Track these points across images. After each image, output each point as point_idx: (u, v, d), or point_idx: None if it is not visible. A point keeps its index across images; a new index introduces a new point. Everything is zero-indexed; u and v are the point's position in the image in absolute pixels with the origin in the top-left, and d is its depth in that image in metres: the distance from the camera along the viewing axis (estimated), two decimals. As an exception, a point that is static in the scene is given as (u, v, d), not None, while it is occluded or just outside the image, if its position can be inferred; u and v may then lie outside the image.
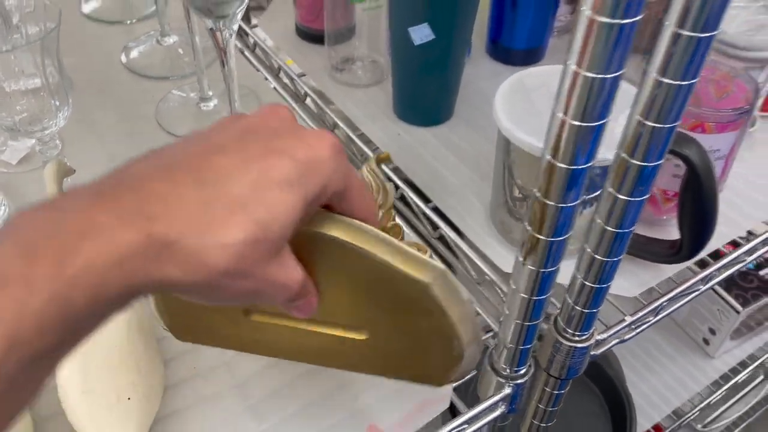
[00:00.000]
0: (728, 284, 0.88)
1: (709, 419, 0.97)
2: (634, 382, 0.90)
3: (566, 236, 0.35)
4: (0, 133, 0.59)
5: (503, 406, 0.45)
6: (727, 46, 0.52)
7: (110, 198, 0.23)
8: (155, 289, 0.24)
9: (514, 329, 0.40)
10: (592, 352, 0.47)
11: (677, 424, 0.86)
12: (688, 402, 0.89)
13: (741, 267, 0.55)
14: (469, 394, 0.48)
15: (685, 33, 0.28)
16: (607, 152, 0.34)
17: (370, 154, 0.61)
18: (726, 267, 0.53)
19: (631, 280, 0.50)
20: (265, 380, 0.43)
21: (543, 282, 0.37)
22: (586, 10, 0.25)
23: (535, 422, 0.53)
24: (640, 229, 0.53)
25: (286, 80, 0.70)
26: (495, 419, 0.46)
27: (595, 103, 0.28)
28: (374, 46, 0.67)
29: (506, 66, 0.72)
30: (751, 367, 0.93)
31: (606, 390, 0.86)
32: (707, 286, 0.53)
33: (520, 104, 0.47)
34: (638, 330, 0.50)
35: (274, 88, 0.68)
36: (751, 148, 0.59)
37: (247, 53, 0.73)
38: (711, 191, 0.45)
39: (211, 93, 0.63)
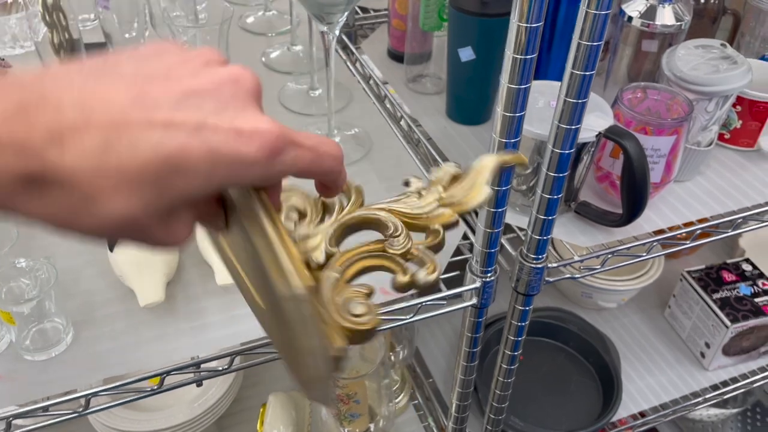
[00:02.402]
0: (723, 303, 1.03)
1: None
2: (631, 376, 1.05)
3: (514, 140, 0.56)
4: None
5: (475, 299, 0.65)
6: (685, 81, 0.71)
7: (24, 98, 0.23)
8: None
9: (484, 237, 0.61)
10: (547, 278, 0.67)
11: (660, 414, 1.00)
12: (676, 400, 1.03)
13: (672, 247, 0.71)
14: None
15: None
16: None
17: (424, 140, 0.84)
18: (662, 242, 0.71)
19: (587, 236, 0.70)
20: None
21: (501, 199, 0.58)
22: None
23: (510, 337, 0.73)
24: (605, 207, 0.72)
25: (373, 85, 0.95)
26: (468, 308, 0.66)
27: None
28: (440, 66, 0.90)
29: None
30: (739, 383, 1.05)
31: (602, 372, 1.03)
32: (648, 256, 0.71)
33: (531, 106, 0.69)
34: (587, 273, 0.69)
35: (364, 89, 0.93)
36: (708, 165, 0.78)
37: (349, 65, 0.99)
38: (642, 173, 0.64)
39: (317, 84, 0.89)
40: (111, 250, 0.61)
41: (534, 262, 0.64)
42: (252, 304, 0.36)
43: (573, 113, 0.54)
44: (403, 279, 0.34)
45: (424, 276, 0.34)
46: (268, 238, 0.29)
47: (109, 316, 0.61)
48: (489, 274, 0.64)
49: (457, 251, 0.68)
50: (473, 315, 0.68)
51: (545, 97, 0.69)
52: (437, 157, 0.81)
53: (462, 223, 0.68)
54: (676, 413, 1.01)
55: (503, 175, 0.57)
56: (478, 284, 0.64)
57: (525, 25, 0.48)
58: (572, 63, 0.52)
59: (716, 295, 1.04)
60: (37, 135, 0.22)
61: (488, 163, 0.39)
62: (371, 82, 0.97)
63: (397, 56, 0.98)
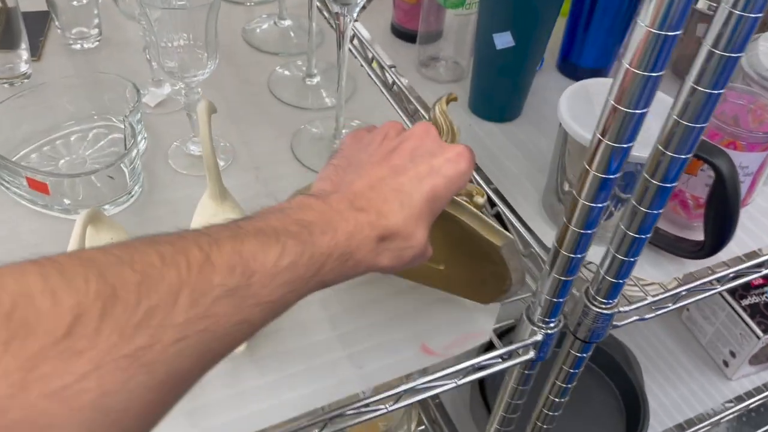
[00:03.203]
0: (753, 311, 0.95)
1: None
2: (653, 390, 0.96)
3: (604, 204, 0.44)
4: (151, 81, 0.71)
5: (533, 352, 0.54)
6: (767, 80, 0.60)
7: (349, 199, 0.36)
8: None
9: (552, 283, 0.49)
10: (614, 323, 0.55)
11: (687, 432, 0.92)
12: (701, 415, 0.95)
13: (754, 277, 0.62)
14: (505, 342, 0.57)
15: (717, 52, 0.37)
16: (642, 149, 0.43)
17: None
18: (740, 274, 0.60)
19: (658, 269, 0.58)
20: (343, 299, 0.53)
21: (583, 242, 0.45)
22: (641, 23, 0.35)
23: (558, 382, 0.61)
24: (672, 230, 0.61)
25: (377, 69, 0.80)
26: (524, 362, 0.55)
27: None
28: (459, 49, 0.77)
29: (572, 81, 0.80)
30: (765, 393, 0.98)
31: (625, 390, 0.94)
32: (723, 287, 0.60)
33: (581, 106, 0.56)
34: (658, 312, 0.58)
35: (368, 74, 0.78)
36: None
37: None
38: (734, 198, 0.53)
39: (316, 71, 0.74)
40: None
41: (603, 307, 0.53)
42: (427, 277, 0.53)
43: (687, 139, 0.42)
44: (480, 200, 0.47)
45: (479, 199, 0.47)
46: (472, 214, 0.45)
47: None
48: (552, 325, 0.52)
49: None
50: (525, 367, 0.56)
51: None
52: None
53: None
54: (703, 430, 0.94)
55: (588, 219, 0.44)
56: (539, 337, 0.52)
57: (656, 31, 0.35)
58: (698, 75, 0.39)
59: (745, 302, 0.95)
60: (373, 215, 0.36)
61: None
62: (374, 64, 0.82)
63: (402, 33, 0.84)
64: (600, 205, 0.43)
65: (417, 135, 0.40)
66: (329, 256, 0.33)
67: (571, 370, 0.60)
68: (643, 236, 0.48)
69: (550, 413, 0.65)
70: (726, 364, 1.00)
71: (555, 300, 0.50)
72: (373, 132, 0.41)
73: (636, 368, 0.96)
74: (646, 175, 0.45)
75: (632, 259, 0.49)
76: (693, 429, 0.93)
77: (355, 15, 0.56)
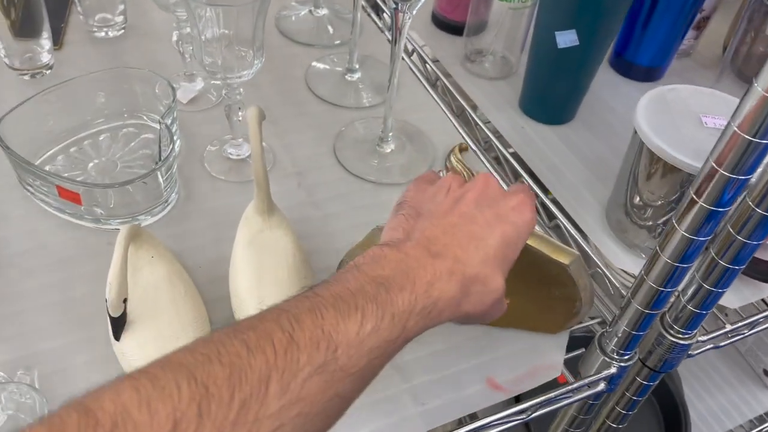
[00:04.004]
0: (800, 321, 0.91)
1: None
2: (691, 399, 0.93)
3: (706, 238, 0.39)
4: (183, 75, 0.66)
5: (603, 384, 0.50)
6: None
7: (424, 245, 0.35)
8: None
9: (634, 315, 0.45)
10: (689, 352, 0.51)
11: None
12: (740, 428, 0.92)
13: None
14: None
15: None
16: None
17: (495, 141, 0.66)
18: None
19: (734, 293, 0.54)
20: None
21: (676, 276, 0.41)
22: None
23: (618, 408, 0.58)
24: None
25: (419, 63, 0.75)
26: (591, 396, 0.51)
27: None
28: (509, 43, 0.72)
29: (626, 79, 0.76)
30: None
31: (664, 402, 0.90)
32: (800, 311, 0.57)
33: (660, 116, 0.51)
34: (733, 339, 0.54)
35: (410, 69, 0.73)
36: None
37: (383, 28, 0.79)
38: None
39: (357, 66, 0.69)
40: (117, 338, 0.43)
41: (681, 337, 0.49)
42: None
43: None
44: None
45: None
46: (534, 235, 0.44)
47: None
48: (627, 358, 0.48)
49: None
50: (590, 397, 0.52)
51: (692, 110, 0.51)
52: (519, 169, 0.63)
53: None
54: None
55: (687, 251, 0.40)
56: (613, 370, 0.48)
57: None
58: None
59: (789, 310, 0.91)
60: (450, 261, 0.35)
61: None
62: (414, 56, 0.77)
63: (444, 24, 0.79)
64: (703, 239, 0.39)
65: (479, 185, 0.40)
66: (411, 312, 0.32)
67: (635, 398, 0.56)
68: (736, 267, 0.43)
69: (606, 438, 0.61)
70: (766, 373, 0.96)
71: (634, 333, 0.46)
72: (436, 184, 0.41)
73: (676, 378, 0.92)
74: (750, 203, 0.41)
75: (720, 291, 0.45)
76: (733, 442, 0.90)
77: (414, 12, 0.51)
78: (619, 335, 0.47)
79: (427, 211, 0.39)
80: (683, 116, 0.51)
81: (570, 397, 0.48)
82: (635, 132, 0.52)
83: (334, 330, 0.28)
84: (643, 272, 0.43)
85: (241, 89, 0.54)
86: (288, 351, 0.26)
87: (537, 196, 0.61)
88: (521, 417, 0.46)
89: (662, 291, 0.43)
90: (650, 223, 0.55)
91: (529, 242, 0.43)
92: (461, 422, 0.45)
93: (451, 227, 0.37)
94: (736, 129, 0.34)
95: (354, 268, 0.33)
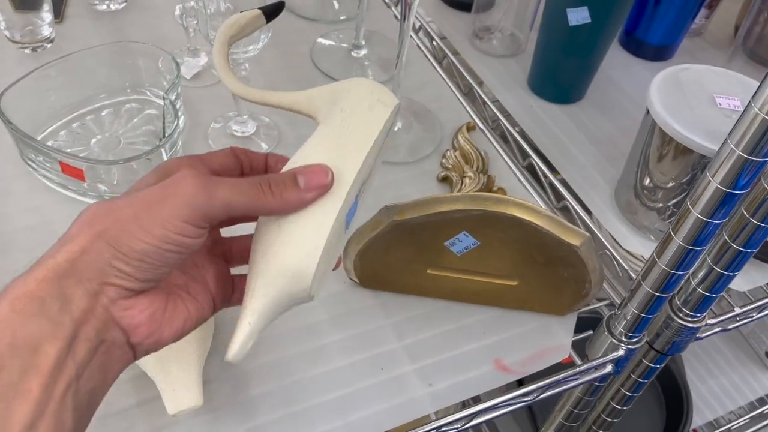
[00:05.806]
0: (804, 304, 0.90)
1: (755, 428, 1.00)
2: (693, 381, 0.93)
3: (721, 221, 0.39)
4: (186, 50, 0.64)
5: (610, 366, 0.49)
6: None
7: None
8: None
9: (644, 298, 0.45)
10: (697, 335, 0.51)
11: (725, 428, 0.89)
12: (741, 409, 0.92)
13: None
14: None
15: None
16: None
17: (503, 119, 0.65)
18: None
19: (743, 276, 0.54)
20: (409, 306, 0.48)
21: (689, 259, 0.41)
22: None
23: (623, 390, 0.57)
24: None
25: (425, 39, 0.74)
26: (597, 378, 0.50)
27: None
28: (518, 21, 0.70)
29: (636, 58, 0.74)
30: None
31: (666, 383, 0.90)
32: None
33: (674, 97, 0.50)
34: (742, 322, 0.53)
35: (417, 46, 0.72)
36: None
37: (392, 8, 0.77)
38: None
39: (363, 42, 0.68)
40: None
41: (690, 320, 0.48)
42: (499, 296, 0.48)
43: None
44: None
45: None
46: (545, 215, 0.43)
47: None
48: (635, 340, 0.48)
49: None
50: (598, 380, 0.52)
51: (705, 91, 0.51)
52: (528, 148, 0.62)
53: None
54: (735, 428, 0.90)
55: (701, 235, 0.39)
56: (621, 353, 0.48)
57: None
58: None
59: (794, 293, 0.91)
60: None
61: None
62: (421, 33, 0.76)
63: (451, 0, 0.77)
64: (717, 221, 0.38)
65: None
66: None
67: (641, 380, 0.56)
68: (749, 250, 0.43)
69: (609, 419, 0.61)
70: (768, 355, 0.96)
71: (644, 315, 0.46)
72: None
73: (678, 359, 0.92)
74: (766, 185, 0.40)
75: (732, 274, 0.45)
76: (734, 423, 0.90)
77: (424, -14, 0.50)
78: (628, 318, 0.47)
79: None
80: (697, 96, 0.50)
81: (577, 379, 0.48)
82: (647, 112, 0.51)
83: None
84: (654, 255, 0.42)
85: (247, 65, 0.53)
86: None
87: (545, 176, 0.60)
88: (527, 399, 0.46)
89: (674, 274, 0.42)
90: (660, 204, 0.54)
91: (539, 223, 0.43)
92: (465, 404, 0.45)
93: None
94: (757, 110, 0.33)
95: None
